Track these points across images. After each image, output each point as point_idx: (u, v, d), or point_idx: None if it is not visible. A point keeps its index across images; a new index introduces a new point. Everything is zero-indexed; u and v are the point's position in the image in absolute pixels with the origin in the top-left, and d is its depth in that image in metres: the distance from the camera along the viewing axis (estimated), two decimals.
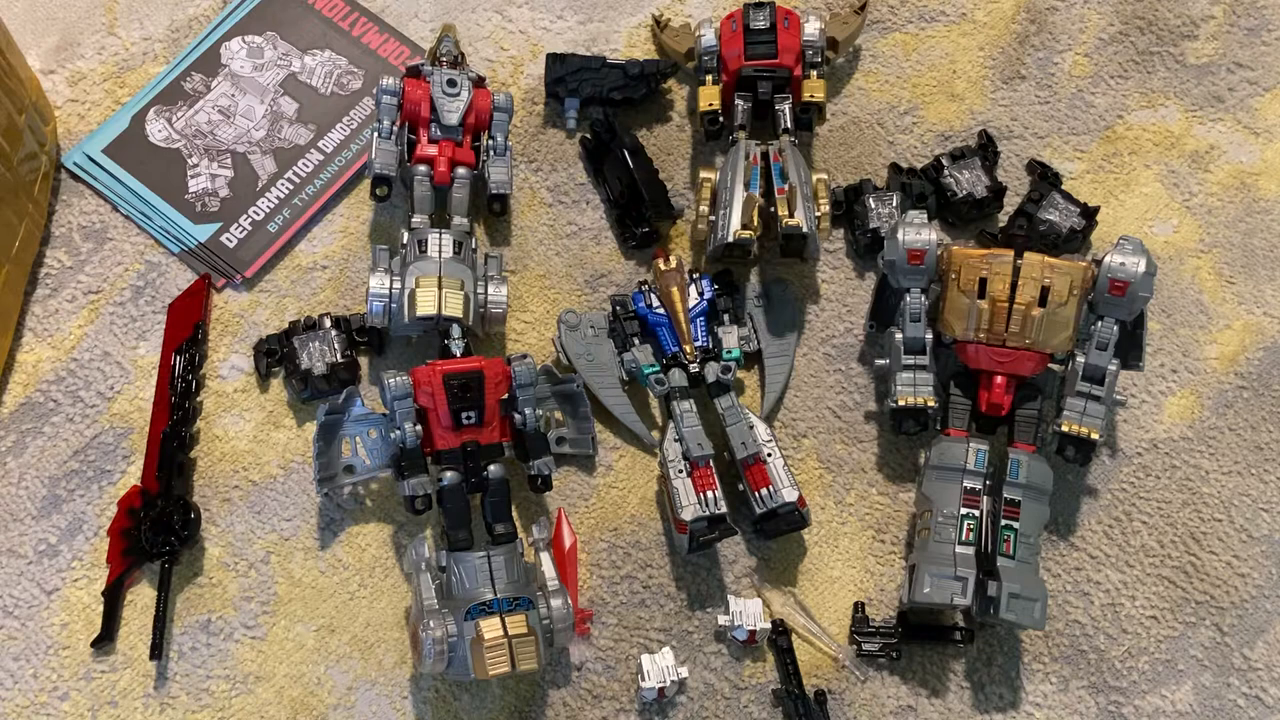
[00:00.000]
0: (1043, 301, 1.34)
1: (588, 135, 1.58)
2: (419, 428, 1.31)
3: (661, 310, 1.45)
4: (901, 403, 1.37)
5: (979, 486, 1.33)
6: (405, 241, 1.42)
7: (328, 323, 1.45)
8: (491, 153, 1.50)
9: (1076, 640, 1.38)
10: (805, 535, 1.41)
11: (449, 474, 1.30)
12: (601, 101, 1.59)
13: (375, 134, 1.46)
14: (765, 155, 1.47)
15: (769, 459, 1.37)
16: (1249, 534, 1.42)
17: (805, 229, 1.39)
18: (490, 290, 1.41)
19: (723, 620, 1.35)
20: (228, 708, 1.34)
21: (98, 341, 1.49)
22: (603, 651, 1.36)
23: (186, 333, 1.46)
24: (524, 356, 1.34)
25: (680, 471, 1.36)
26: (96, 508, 1.42)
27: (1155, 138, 1.61)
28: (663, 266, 1.46)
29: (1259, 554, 1.42)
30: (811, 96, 1.52)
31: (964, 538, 1.31)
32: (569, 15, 1.68)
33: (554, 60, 1.59)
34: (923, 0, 1.69)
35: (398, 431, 1.30)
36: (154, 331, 1.50)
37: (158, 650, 1.33)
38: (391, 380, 1.30)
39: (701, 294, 1.46)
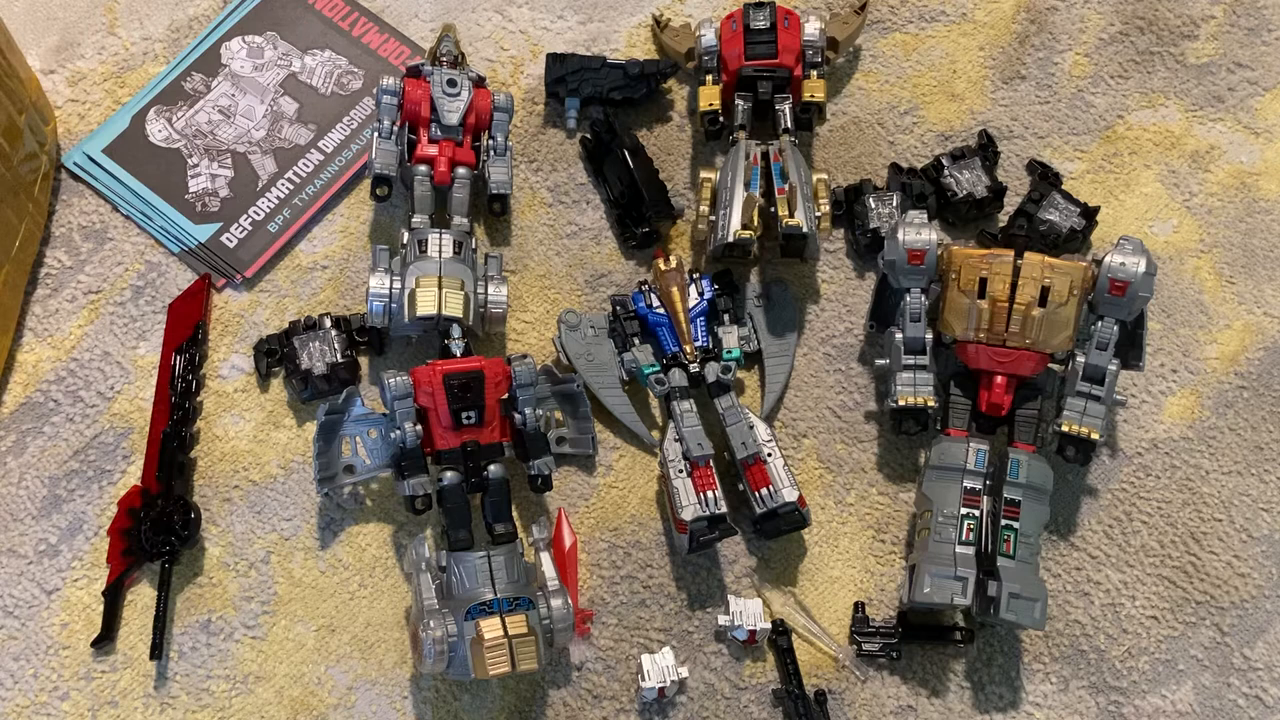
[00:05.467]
0: (1043, 301, 1.34)
1: (588, 135, 1.58)
2: (419, 428, 1.31)
3: (661, 310, 1.45)
4: (901, 403, 1.37)
5: (979, 486, 1.33)
6: (405, 241, 1.42)
7: (328, 323, 1.45)
8: (492, 153, 1.50)
9: (1076, 640, 1.38)
10: (805, 535, 1.42)
11: (449, 474, 1.30)
12: (601, 101, 1.59)
13: (375, 134, 1.46)
14: (765, 155, 1.47)
15: (769, 459, 1.37)
16: (1249, 534, 1.42)
17: (805, 229, 1.39)
18: (490, 290, 1.41)
19: (723, 620, 1.35)
20: (228, 708, 1.34)
21: (98, 341, 1.49)
22: (603, 651, 1.36)
23: (186, 333, 1.46)
24: (524, 356, 1.34)
25: (680, 471, 1.36)
26: (96, 508, 1.42)
27: (1155, 138, 1.61)
28: (663, 266, 1.46)
29: (1259, 554, 1.42)
30: (811, 96, 1.52)
31: (964, 538, 1.31)
32: (569, 15, 1.68)
33: (554, 60, 1.59)
34: (923, 0, 1.69)
35: (398, 431, 1.30)
36: (154, 331, 1.50)
37: (158, 650, 1.33)
38: (391, 380, 1.30)
39: (701, 294, 1.46)
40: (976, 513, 1.32)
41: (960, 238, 1.55)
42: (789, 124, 1.50)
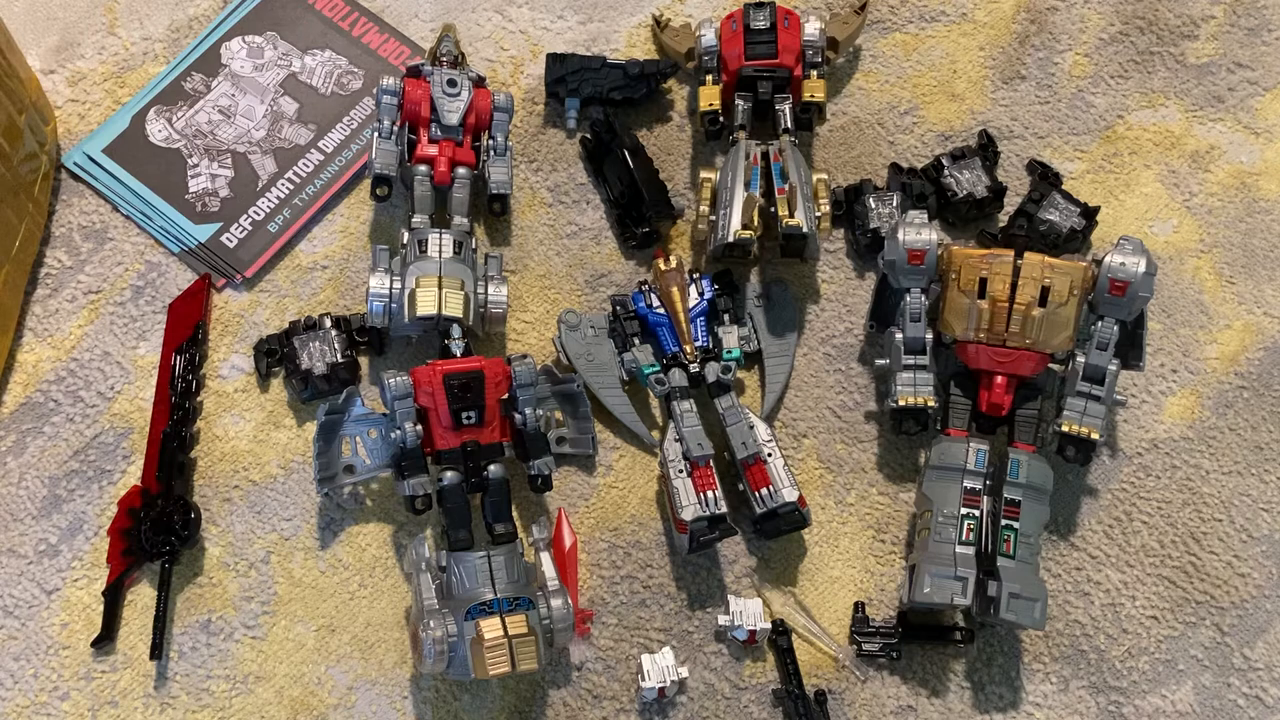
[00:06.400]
0: (1043, 301, 1.34)
1: (588, 135, 1.58)
2: (419, 428, 1.31)
3: (661, 310, 1.45)
4: (901, 403, 1.37)
5: (979, 486, 1.33)
6: (405, 241, 1.42)
7: (328, 323, 1.45)
8: (492, 153, 1.50)
9: (1076, 640, 1.38)
10: (805, 535, 1.42)
11: (449, 474, 1.30)
12: (601, 101, 1.59)
13: (375, 134, 1.46)
14: (765, 155, 1.47)
15: (769, 459, 1.37)
16: (1249, 534, 1.42)
17: (805, 229, 1.39)
18: (490, 290, 1.41)
19: (723, 620, 1.35)
20: (228, 708, 1.34)
21: (98, 341, 1.49)
22: (603, 651, 1.36)
23: (187, 333, 1.47)
24: (524, 356, 1.34)
25: (680, 471, 1.36)
26: (96, 508, 1.42)
27: (1155, 138, 1.61)
28: (663, 266, 1.46)
29: (1259, 554, 1.42)
30: (811, 96, 1.52)
31: (964, 538, 1.31)
32: (569, 15, 1.68)
33: (554, 60, 1.59)
34: (923, 0, 1.69)
35: (398, 431, 1.30)
36: (154, 331, 1.50)
37: (158, 650, 1.33)
38: (392, 380, 1.30)
39: (701, 294, 1.46)
40: (976, 513, 1.32)
41: (960, 238, 1.55)
42: (789, 124, 1.50)
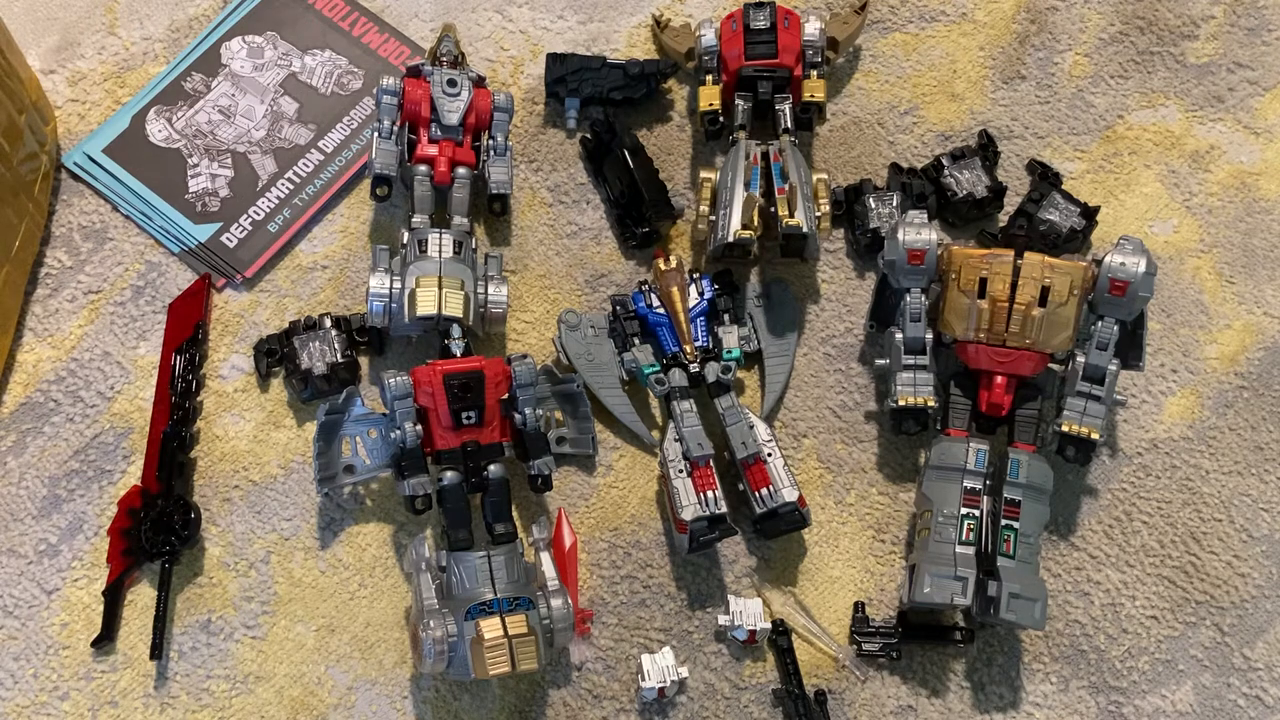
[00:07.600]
0: (1043, 301, 1.34)
1: (588, 135, 1.58)
2: (419, 428, 1.31)
3: (661, 310, 1.45)
4: (901, 403, 1.37)
5: (979, 486, 1.33)
6: (405, 241, 1.42)
7: (328, 323, 1.45)
8: (492, 153, 1.50)
9: (1076, 640, 1.38)
10: (805, 535, 1.42)
11: (449, 474, 1.30)
12: (601, 101, 1.59)
13: (375, 134, 1.46)
14: (765, 155, 1.47)
15: (769, 459, 1.37)
16: (1249, 534, 1.42)
17: (805, 229, 1.39)
18: (490, 290, 1.41)
19: (723, 620, 1.35)
20: (228, 708, 1.34)
21: (98, 341, 1.49)
22: (603, 651, 1.36)
23: (187, 333, 1.47)
24: (524, 356, 1.34)
25: (680, 471, 1.36)
26: (96, 508, 1.42)
27: (1155, 138, 1.61)
28: (663, 266, 1.46)
29: (1259, 554, 1.42)
30: (811, 96, 1.52)
31: (964, 538, 1.31)
32: (569, 15, 1.68)
33: (554, 60, 1.59)
34: (923, 0, 1.69)
35: (398, 431, 1.30)
36: (154, 331, 1.50)
37: (158, 650, 1.33)
38: (392, 380, 1.30)
39: (701, 294, 1.46)
40: (976, 513, 1.32)
41: (960, 238, 1.55)
42: (789, 124, 1.50)
